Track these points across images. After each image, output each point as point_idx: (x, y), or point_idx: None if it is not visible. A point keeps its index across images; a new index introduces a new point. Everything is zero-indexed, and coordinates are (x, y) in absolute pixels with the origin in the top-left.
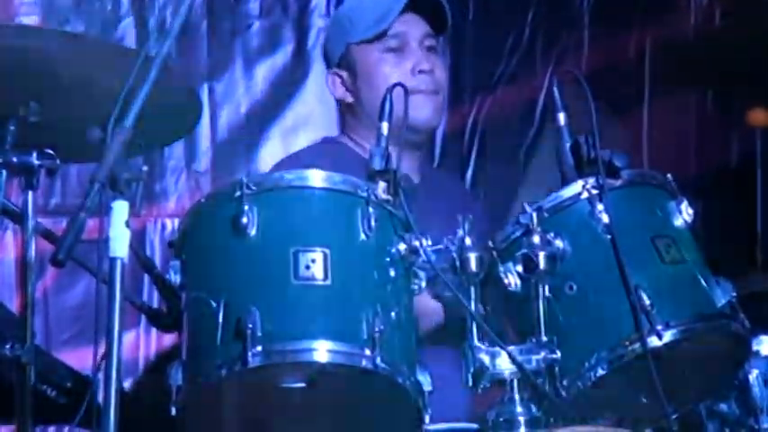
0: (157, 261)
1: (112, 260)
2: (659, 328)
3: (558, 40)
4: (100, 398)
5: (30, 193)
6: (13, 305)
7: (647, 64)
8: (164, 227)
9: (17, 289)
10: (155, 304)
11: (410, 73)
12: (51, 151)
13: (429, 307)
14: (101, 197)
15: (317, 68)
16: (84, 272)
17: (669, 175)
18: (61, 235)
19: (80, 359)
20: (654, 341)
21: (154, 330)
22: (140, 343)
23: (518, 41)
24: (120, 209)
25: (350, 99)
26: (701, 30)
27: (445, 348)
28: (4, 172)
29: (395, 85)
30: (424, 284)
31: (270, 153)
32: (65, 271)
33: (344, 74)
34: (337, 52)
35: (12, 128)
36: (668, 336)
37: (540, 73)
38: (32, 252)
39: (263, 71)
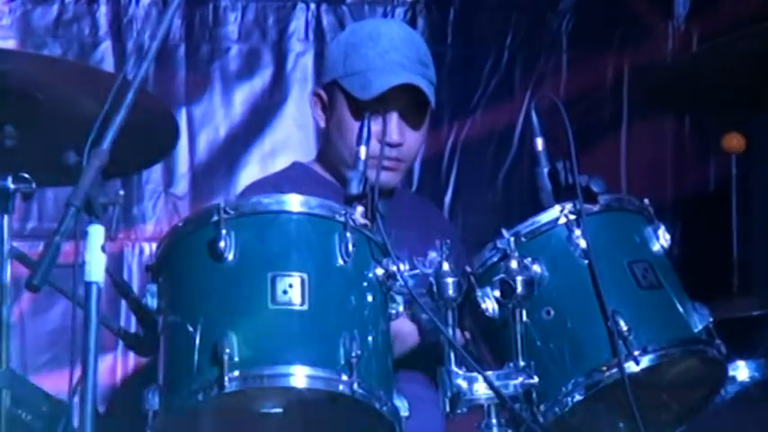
0: (135, 285)
1: (88, 284)
2: (636, 353)
3: (536, 63)
4: (75, 422)
5: (5, 216)
6: None
7: (624, 88)
8: (141, 251)
9: None
10: (132, 328)
11: (377, 138)
12: (27, 175)
13: (404, 329)
14: (76, 221)
15: (296, 93)
16: (60, 295)
17: (646, 200)
18: (36, 259)
19: (57, 383)
20: (631, 366)
21: (131, 354)
22: (117, 367)
23: (497, 65)
24: (96, 233)
25: (322, 124)
26: (678, 55)
27: (419, 371)
28: None
29: (373, 112)
30: (401, 309)
31: (248, 177)
32: (41, 294)
33: (326, 100)
34: (326, 77)
35: None
36: (645, 361)
37: (518, 96)
38: (8, 276)
39: (242, 95)
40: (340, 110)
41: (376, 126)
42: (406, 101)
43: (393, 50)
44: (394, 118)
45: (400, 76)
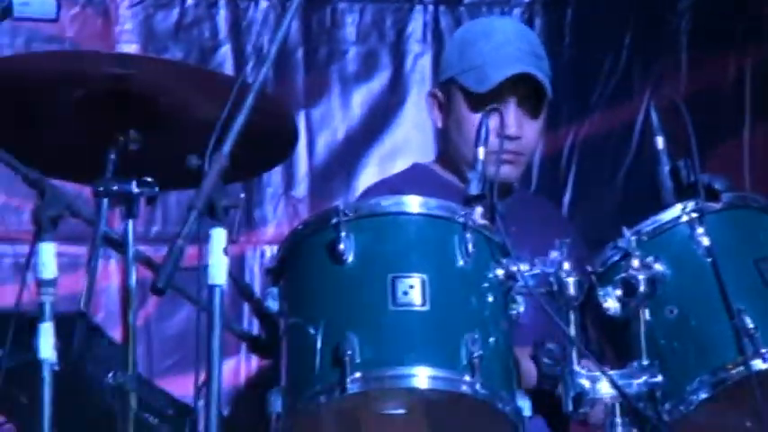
0: (257, 288)
1: (211, 288)
2: (764, 351)
3: (655, 63)
4: (200, 425)
5: (130, 221)
6: (118, 333)
7: (747, 87)
8: (263, 254)
9: (121, 317)
10: (255, 331)
11: (495, 133)
12: (151, 179)
13: (523, 367)
14: (199, 225)
15: (414, 94)
16: (185, 299)
17: None
18: (161, 263)
19: (182, 386)
20: (758, 364)
21: (254, 357)
22: (241, 370)
23: (615, 65)
24: (219, 236)
25: (439, 124)
26: None
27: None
28: (106, 201)
29: (492, 110)
30: (521, 309)
31: (367, 179)
32: (167, 299)
33: (443, 99)
34: (443, 76)
35: (112, 156)
36: None
37: (637, 96)
38: (133, 280)
39: (360, 97)
40: (457, 107)
41: (494, 121)
42: (523, 93)
43: (507, 44)
44: (511, 111)
45: (515, 66)
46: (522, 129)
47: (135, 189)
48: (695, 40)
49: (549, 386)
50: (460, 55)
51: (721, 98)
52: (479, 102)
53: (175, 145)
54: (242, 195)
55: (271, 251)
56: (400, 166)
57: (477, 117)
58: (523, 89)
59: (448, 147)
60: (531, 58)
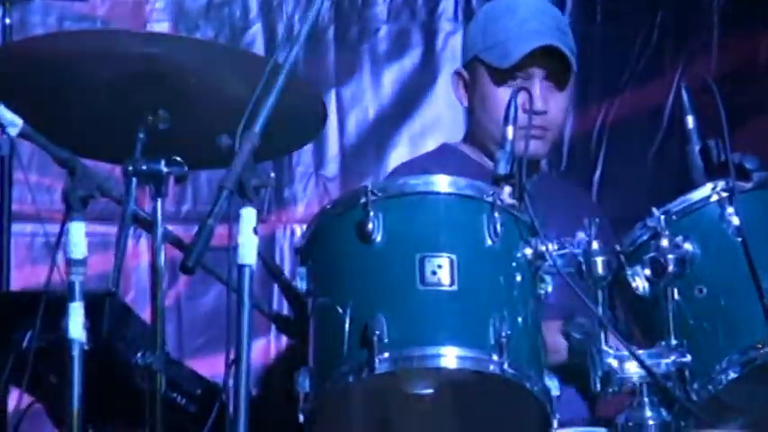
0: (287, 267)
1: (241, 267)
2: None
3: (686, 41)
4: (230, 405)
5: (159, 200)
6: (148, 312)
7: None
8: (293, 233)
9: (150, 297)
10: (285, 311)
11: (522, 109)
12: (180, 159)
13: (554, 343)
14: (229, 204)
15: (446, 72)
16: (215, 279)
17: None
18: (190, 242)
19: (213, 366)
20: None
21: (284, 337)
22: (270, 350)
23: (646, 43)
24: (249, 216)
25: (465, 103)
26: None
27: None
28: (135, 180)
29: (520, 88)
30: (549, 289)
31: (398, 157)
32: (198, 278)
33: (467, 78)
34: (467, 55)
35: (141, 136)
36: None
37: (668, 75)
38: (162, 260)
39: (391, 76)
40: (482, 84)
41: (520, 98)
42: (547, 68)
43: (531, 19)
44: (536, 86)
45: (539, 40)
46: (547, 103)
47: (164, 168)
48: (727, 18)
49: (579, 360)
50: (484, 32)
51: (753, 77)
52: (503, 78)
53: (206, 124)
54: (272, 175)
55: (301, 230)
56: (431, 145)
57: (501, 93)
58: (548, 63)
59: (475, 125)
60: (555, 32)
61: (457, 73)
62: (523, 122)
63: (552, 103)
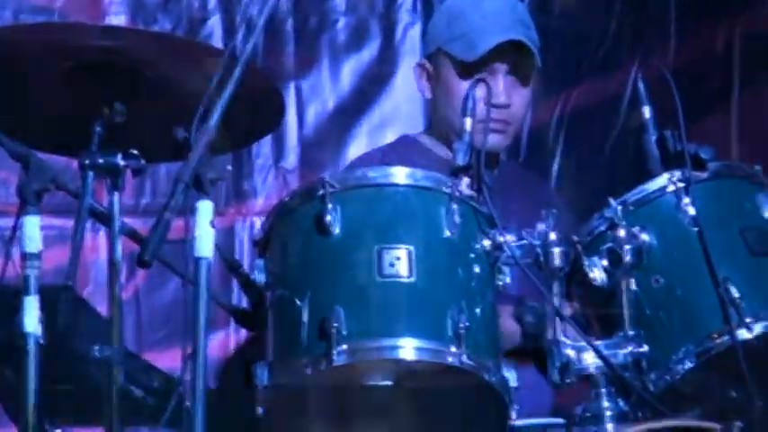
0: (246, 260)
1: (198, 260)
2: (749, 320)
3: (644, 33)
4: (187, 398)
5: (116, 194)
6: (106, 307)
7: (735, 57)
8: (252, 225)
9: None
10: (244, 304)
11: (483, 102)
12: (137, 152)
13: (507, 328)
14: (186, 197)
15: (405, 65)
16: (173, 272)
17: (758, 167)
18: (147, 236)
19: (172, 359)
20: (743, 333)
21: (243, 330)
22: (230, 343)
23: (604, 35)
24: (205, 208)
25: (428, 95)
26: None
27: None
28: (91, 174)
29: (478, 80)
30: (508, 280)
31: (358, 149)
32: (156, 271)
33: (431, 70)
34: (430, 47)
35: (98, 129)
36: (758, 328)
37: (626, 67)
38: (119, 253)
39: (350, 68)
40: (446, 77)
41: (481, 91)
42: (511, 62)
43: (496, 13)
44: (500, 79)
45: (504, 34)
46: (511, 97)
47: (121, 162)
48: (684, 9)
49: (532, 345)
50: (448, 24)
51: (710, 68)
52: (468, 70)
53: (163, 117)
54: (229, 168)
55: (260, 223)
56: (390, 137)
57: (465, 86)
58: (512, 57)
59: (437, 117)
60: (520, 26)
61: (420, 65)
62: (482, 115)
63: (516, 98)
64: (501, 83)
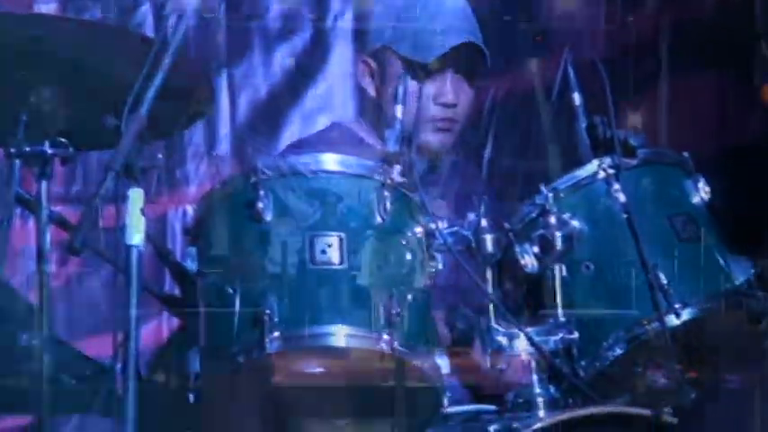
0: (179, 248)
1: (128, 248)
2: (677, 306)
3: (574, 19)
4: (118, 386)
5: (44, 182)
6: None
7: (664, 43)
8: (185, 213)
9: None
10: (177, 292)
11: (432, 100)
12: (65, 140)
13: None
14: (117, 185)
15: (336, 52)
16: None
17: (686, 154)
18: (75, 224)
19: (104, 347)
20: (672, 320)
21: (176, 318)
22: (162, 330)
23: (535, 21)
24: (136, 196)
25: (372, 92)
26: (719, 7)
27: None
28: (18, 162)
29: (405, 71)
30: (440, 267)
31: (290, 137)
32: (88, 259)
33: (374, 67)
34: (375, 44)
35: (24, 117)
36: (686, 314)
37: (556, 53)
38: (48, 241)
39: (282, 55)
40: (391, 77)
41: (432, 88)
42: (460, 62)
43: (444, 13)
44: (449, 79)
45: (457, 36)
46: (458, 97)
47: (48, 150)
48: None
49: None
50: (396, 22)
51: (638, 54)
52: (417, 69)
53: (93, 105)
54: (159, 156)
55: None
56: (322, 123)
57: (414, 84)
58: (460, 59)
59: (373, 109)
60: (470, 27)
61: (363, 61)
62: (429, 114)
63: (462, 97)
64: (449, 82)
